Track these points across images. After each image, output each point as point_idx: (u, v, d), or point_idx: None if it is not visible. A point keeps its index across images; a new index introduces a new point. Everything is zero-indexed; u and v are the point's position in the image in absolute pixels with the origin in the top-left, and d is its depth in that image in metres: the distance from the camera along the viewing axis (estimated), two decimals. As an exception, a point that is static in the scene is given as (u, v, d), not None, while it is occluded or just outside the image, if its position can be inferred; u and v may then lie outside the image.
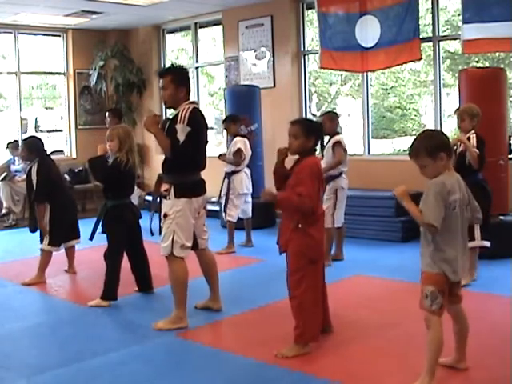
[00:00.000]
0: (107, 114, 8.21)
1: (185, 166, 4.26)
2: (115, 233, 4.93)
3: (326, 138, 6.23)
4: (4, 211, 9.14)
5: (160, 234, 4.40)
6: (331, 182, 6.05)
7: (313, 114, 10.94)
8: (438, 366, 3.26)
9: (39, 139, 5.93)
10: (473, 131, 5.20)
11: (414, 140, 3.21)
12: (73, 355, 3.88)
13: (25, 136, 10.49)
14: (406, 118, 14.65)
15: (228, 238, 6.88)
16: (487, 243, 5.25)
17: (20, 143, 9.81)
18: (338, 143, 6.08)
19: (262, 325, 4.35)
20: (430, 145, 3.10)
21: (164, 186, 4.37)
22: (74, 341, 4.18)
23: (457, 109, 5.69)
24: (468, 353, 3.49)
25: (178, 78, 4.32)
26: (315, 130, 3.85)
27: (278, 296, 4.58)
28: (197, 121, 4.27)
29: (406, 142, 13.69)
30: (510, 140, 6.89)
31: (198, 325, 4.37)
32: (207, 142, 4.48)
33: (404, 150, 12.82)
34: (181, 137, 4.15)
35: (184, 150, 4.18)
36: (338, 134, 6.21)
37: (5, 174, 9.18)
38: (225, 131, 7.27)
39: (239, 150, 6.78)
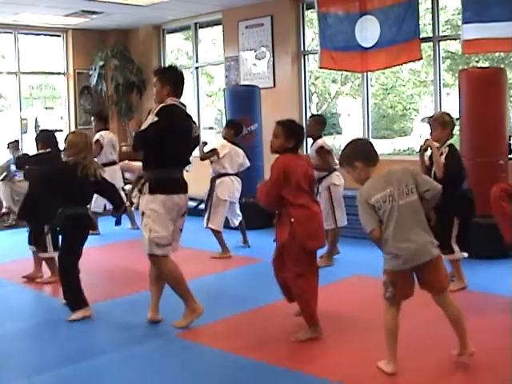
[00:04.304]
0: (92, 118, 8.36)
1: (159, 161, 4.26)
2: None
3: (310, 141, 6.25)
4: (4, 211, 9.14)
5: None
6: (323, 181, 6.04)
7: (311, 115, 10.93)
8: (438, 365, 3.31)
9: (53, 133, 5.90)
10: (448, 142, 5.00)
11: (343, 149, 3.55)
12: (72, 355, 3.88)
13: (25, 136, 10.59)
14: (405, 118, 14.65)
15: (220, 245, 6.63)
16: (465, 254, 5.09)
17: (20, 143, 9.86)
18: (322, 148, 6.03)
19: (262, 325, 4.35)
20: (347, 154, 3.44)
21: (141, 182, 4.39)
22: (74, 341, 4.18)
23: (429, 117, 5.50)
24: (468, 353, 3.49)
25: (164, 77, 4.42)
26: (295, 132, 4.07)
27: (278, 296, 4.57)
28: (169, 115, 4.25)
29: (406, 142, 13.69)
30: (510, 140, 6.88)
31: (197, 325, 4.36)
32: (187, 139, 4.42)
33: (404, 150, 12.83)
34: (143, 126, 4.28)
35: (140, 136, 4.28)
36: (320, 137, 6.16)
37: (5, 173, 9.17)
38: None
39: (214, 150, 6.57)
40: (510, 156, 6.59)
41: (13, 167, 9.27)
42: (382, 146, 13.24)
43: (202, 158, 6.61)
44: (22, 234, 8.05)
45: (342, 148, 3.56)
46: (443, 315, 3.49)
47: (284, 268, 4.00)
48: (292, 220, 3.92)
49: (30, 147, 10.15)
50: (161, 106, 4.29)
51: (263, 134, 8.38)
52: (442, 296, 3.42)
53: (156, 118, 4.21)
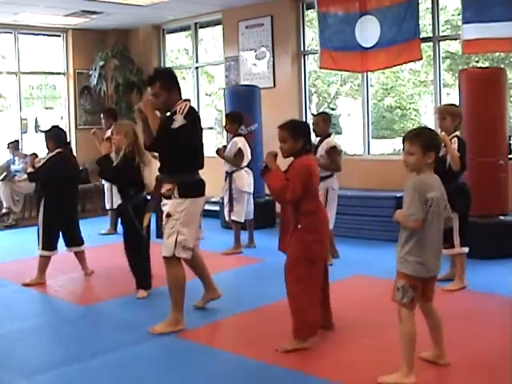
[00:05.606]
0: (102, 115, 8.30)
1: (185, 164, 4.21)
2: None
3: (317, 139, 6.18)
4: (4, 211, 9.15)
5: (158, 235, 4.41)
6: (321, 183, 6.01)
7: (312, 114, 10.93)
8: (438, 365, 3.33)
9: (62, 130, 5.90)
10: (456, 133, 5.02)
11: (416, 129, 3.44)
12: (73, 355, 3.88)
13: (25, 136, 10.59)
14: (405, 118, 14.65)
15: (234, 238, 6.80)
16: (466, 249, 5.09)
17: (20, 143, 9.87)
18: (334, 149, 5.99)
19: (262, 325, 4.35)
20: (427, 140, 3.25)
21: (166, 187, 4.24)
22: (74, 341, 4.18)
23: (438, 108, 5.53)
24: (468, 353, 3.49)
25: (168, 81, 4.25)
26: (302, 131, 3.93)
27: (277, 296, 4.58)
28: (193, 117, 4.22)
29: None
30: (510, 140, 6.88)
31: (197, 325, 4.37)
32: (203, 142, 4.42)
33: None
34: (175, 125, 4.09)
35: (174, 135, 4.11)
36: (329, 135, 6.13)
37: (5, 173, 9.18)
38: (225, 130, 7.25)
39: (240, 151, 6.69)
40: (510, 156, 6.59)
41: (13, 167, 9.29)
42: (381, 146, 13.26)
43: (238, 164, 6.74)
44: (22, 233, 8.08)
45: (416, 128, 3.49)
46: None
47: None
48: (299, 226, 3.78)
49: (29, 147, 10.20)
50: (186, 106, 4.16)
51: (263, 133, 8.38)
52: (430, 304, 3.42)
53: (184, 121, 4.10)
